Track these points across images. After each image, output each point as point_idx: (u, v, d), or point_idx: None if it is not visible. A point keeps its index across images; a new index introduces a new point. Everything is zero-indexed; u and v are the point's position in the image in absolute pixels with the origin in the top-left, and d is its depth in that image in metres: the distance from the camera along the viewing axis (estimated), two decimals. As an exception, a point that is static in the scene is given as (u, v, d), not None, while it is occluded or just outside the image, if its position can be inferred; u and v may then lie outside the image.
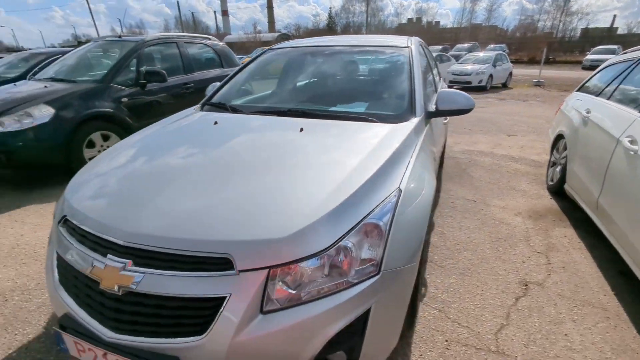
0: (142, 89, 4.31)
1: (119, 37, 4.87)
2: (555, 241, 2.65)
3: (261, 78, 2.69)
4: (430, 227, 2.84)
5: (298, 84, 2.64)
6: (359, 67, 2.49)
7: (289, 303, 1.08)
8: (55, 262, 1.33)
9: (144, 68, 4.32)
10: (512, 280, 2.19)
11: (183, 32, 57.96)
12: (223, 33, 61.59)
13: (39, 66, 5.77)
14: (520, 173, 4.12)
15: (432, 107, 2.10)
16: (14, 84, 4.15)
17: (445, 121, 3.62)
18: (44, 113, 3.46)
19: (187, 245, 1.08)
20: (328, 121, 1.86)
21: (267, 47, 2.97)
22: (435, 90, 2.92)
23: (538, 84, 13.66)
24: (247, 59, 3.91)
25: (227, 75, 2.74)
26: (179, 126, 1.98)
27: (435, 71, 3.19)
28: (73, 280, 1.24)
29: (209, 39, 5.69)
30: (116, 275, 1.10)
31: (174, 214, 1.19)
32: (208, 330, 1.03)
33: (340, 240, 1.13)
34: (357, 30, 52.63)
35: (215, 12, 68.58)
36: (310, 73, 2.71)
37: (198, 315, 1.05)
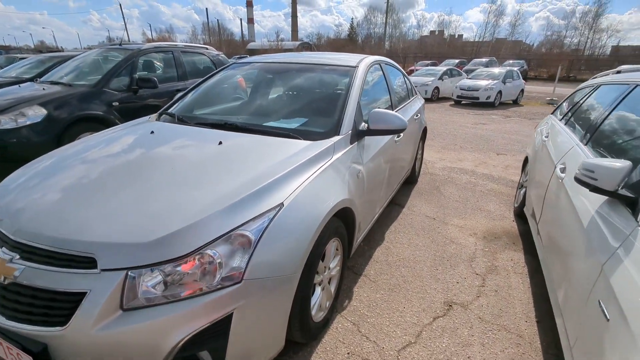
0: (134, 94, 4.55)
1: (120, 44, 5.17)
2: (499, 264, 2.64)
3: (220, 91, 2.83)
4: (377, 241, 2.88)
5: (248, 98, 2.76)
6: (305, 85, 2.58)
7: (148, 302, 1.18)
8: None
9: (137, 75, 4.57)
10: (438, 300, 2.21)
11: (209, 37, 59.74)
12: (248, 40, 63.10)
13: (52, 69, 6.16)
14: (492, 193, 4.09)
15: (364, 126, 2.17)
16: (19, 86, 4.47)
17: (417, 117, 3.65)
18: (37, 113, 3.72)
19: (58, 244, 1.21)
20: (255, 136, 1.96)
21: (231, 62, 3.12)
22: (391, 108, 2.97)
23: (551, 103, 13.34)
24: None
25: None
26: (120, 134, 2.13)
27: (396, 90, 3.24)
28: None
29: (207, 48, 5.93)
30: (3, 266, 1.23)
31: (55, 215, 1.33)
32: (69, 322, 1.14)
33: (204, 248, 1.23)
34: (378, 41, 52.77)
35: (241, 19, 70.51)
36: (261, 89, 2.83)
37: (63, 307, 1.17)
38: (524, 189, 3.41)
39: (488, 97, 12.06)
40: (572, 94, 3.57)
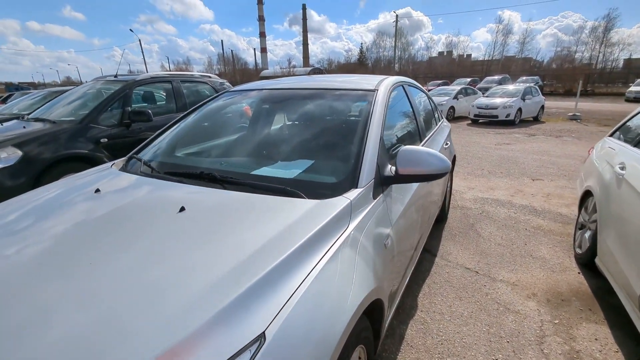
0: (127, 128, 4.09)
1: (115, 76, 4.77)
2: (580, 347, 1.90)
3: (207, 126, 2.26)
4: (409, 310, 2.19)
5: (238, 134, 2.19)
6: (312, 116, 2.00)
7: None
8: None
9: (129, 108, 4.12)
10: (509, 419, 1.49)
11: (224, 67, 61.34)
12: (261, 68, 64.50)
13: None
14: (541, 232, 3.34)
15: (390, 170, 1.55)
16: (1, 124, 4.06)
17: (447, 146, 3.02)
18: (10, 156, 3.25)
19: None
20: (238, 195, 1.35)
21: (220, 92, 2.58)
22: (419, 139, 2.35)
23: (574, 118, 12.48)
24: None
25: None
26: (52, 197, 1.52)
27: (422, 116, 2.62)
28: None
29: (209, 77, 5.50)
30: None
31: None
32: None
33: None
34: (387, 64, 52.98)
35: (254, 49, 72.47)
36: (256, 122, 2.26)
37: None
38: (588, 232, 2.68)
39: (507, 115, 11.33)
40: (637, 113, 2.87)
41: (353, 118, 1.82)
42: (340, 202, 1.26)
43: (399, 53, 52.38)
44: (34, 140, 3.42)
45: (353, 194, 1.32)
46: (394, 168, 1.54)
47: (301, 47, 70.47)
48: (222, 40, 66.56)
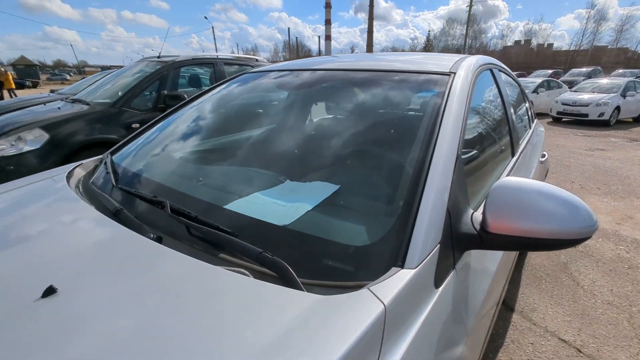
0: (162, 113, 3.75)
1: (158, 56, 4.46)
2: None
3: (199, 122, 1.65)
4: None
5: (239, 137, 1.55)
6: (347, 111, 1.31)
7: None
8: None
9: (164, 91, 3.77)
10: None
11: (289, 54, 61.64)
12: (324, 55, 64.10)
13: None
14: (674, 288, 2.30)
15: (471, 223, 0.82)
16: (44, 104, 3.96)
17: (543, 159, 2.18)
18: (36, 138, 3.04)
19: None
20: (164, 258, 0.73)
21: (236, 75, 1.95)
22: (511, 150, 1.53)
23: (691, 121, 10.01)
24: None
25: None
26: None
27: (516, 119, 1.76)
28: None
29: (256, 59, 4.99)
30: None
31: None
32: None
33: None
34: (456, 53, 49.16)
35: (319, 37, 71.83)
36: (271, 119, 1.60)
37: None
38: None
39: (601, 114, 9.37)
40: None
41: (410, 119, 1.10)
42: (362, 307, 0.58)
43: (470, 42, 48.03)
44: (63, 123, 3.18)
45: (393, 285, 0.63)
46: (479, 216, 0.81)
47: (365, 35, 68.38)
48: (288, 28, 67.29)
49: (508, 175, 1.37)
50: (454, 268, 0.77)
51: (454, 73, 1.16)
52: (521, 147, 1.69)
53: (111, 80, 4.30)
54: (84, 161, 1.52)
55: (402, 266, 0.67)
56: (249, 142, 1.44)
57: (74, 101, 3.81)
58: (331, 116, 1.58)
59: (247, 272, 0.68)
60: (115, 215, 0.92)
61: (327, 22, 74.00)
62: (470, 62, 1.32)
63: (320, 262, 0.72)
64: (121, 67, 6.12)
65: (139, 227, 0.85)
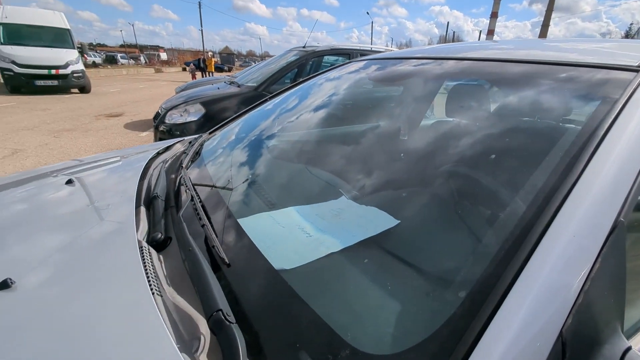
0: (294, 99, 3.99)
1: (304, 47, 4.72)
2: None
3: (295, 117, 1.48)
4: None
5: (327, 131, 1.36)
6: (483, 120, 0.99)
7: None
8: None
9: (299, 78, 3.96)
10: None
11: (442, 50, 57.93)
12: (481, 52, 57.63)
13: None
14: None
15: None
16: (212, 85, 4.73)
17: None
18: (196, 111, 3.66)
19: None
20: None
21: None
22: None
23: None
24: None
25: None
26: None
27: None
28: None
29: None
30: None
31: None
32: None
33: None
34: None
35: (480, 31, 64.59)
36: (374, 116, 1.37)
37: None
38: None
39: None
40: None
41: (557, 133, 0.72)
42: None
43: None
44: (216, 101, 3.74)
45: None
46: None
47: (537, 29, 57.65)
48: (447, 22, 62.76)
49: None
50: None
51: None
52: None
53: (264, 66, 4.82)
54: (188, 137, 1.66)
55: None
56: (329, 139, 1.29)
57: (231, 83, 4.43)
58: (450, 120, 1.25)
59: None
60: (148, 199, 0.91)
61: (493, 15, 65.44)
62: None
63: None
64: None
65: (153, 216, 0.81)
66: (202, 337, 0.48)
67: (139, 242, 0.69)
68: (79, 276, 0.61)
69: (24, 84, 9.10)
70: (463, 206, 0.73)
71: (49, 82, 9.36)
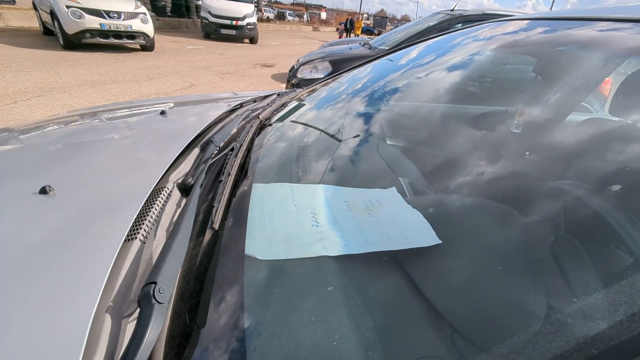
0: (424, 68, 3.67)
1: (452, 10, 4.15)
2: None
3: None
4: None
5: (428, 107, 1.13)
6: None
7: None
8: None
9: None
10: None
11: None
12: None
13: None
14: None
15: None
16: (349, 45, 4.73)
17: None
18: (324, 69, 3.78)
19: None
20: None
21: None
22: None
23: None
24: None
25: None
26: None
27: None
28: None
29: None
30: None
31: None
32: None
33: None
34: None
35: None
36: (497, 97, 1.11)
37: None
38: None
39: None
40: None
41: None
42: None
43: None
44: (344, 60, 3.76)
45: None
46: None
47: None
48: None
49: None
50: None
51: None
52: None
53: (404, 29, 4.52)
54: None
55: None
56: (427, 115, 1.09)
57: (364, 44, 4.35)
58: (615, 120, 0.85)
59: None
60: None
61: None
62: None
63: None
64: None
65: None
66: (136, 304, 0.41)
67: (160, 182, 0.67)
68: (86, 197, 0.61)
69: (213, 31, 11.02)
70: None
71: (229, 32, 11.10)
